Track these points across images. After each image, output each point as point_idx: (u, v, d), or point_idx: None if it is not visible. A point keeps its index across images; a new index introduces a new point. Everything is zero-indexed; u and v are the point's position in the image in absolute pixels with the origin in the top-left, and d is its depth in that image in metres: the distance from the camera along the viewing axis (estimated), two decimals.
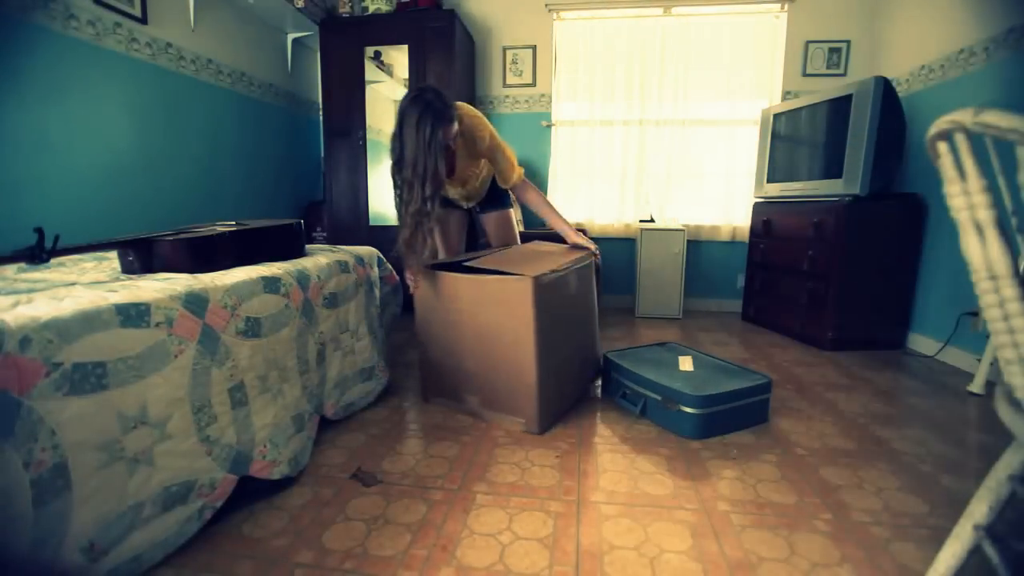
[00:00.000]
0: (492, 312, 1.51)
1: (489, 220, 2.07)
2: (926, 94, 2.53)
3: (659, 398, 1.55)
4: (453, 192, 1.91)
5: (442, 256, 2.02)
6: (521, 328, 1.44)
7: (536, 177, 3.45)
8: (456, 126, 1.54)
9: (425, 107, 1.44)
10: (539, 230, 3.18)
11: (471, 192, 1.92)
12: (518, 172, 1.79)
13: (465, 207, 2.06)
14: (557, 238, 2.81)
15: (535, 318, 1.42)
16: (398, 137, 1.50)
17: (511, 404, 1.54)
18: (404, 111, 1.47)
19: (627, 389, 1.68)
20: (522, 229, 3.15)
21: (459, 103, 1.65)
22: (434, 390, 1.76)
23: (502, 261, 1.57)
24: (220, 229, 1.38)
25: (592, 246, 1.80)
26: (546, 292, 1.46)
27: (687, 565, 0.96)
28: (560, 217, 1.84)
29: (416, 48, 2.89)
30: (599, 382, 1.91)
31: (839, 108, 2.45)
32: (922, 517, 1.12)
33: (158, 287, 1.02)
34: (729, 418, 1.52)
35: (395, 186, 1.57)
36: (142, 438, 0.91)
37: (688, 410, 1.47)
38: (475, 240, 2.39)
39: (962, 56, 2.28)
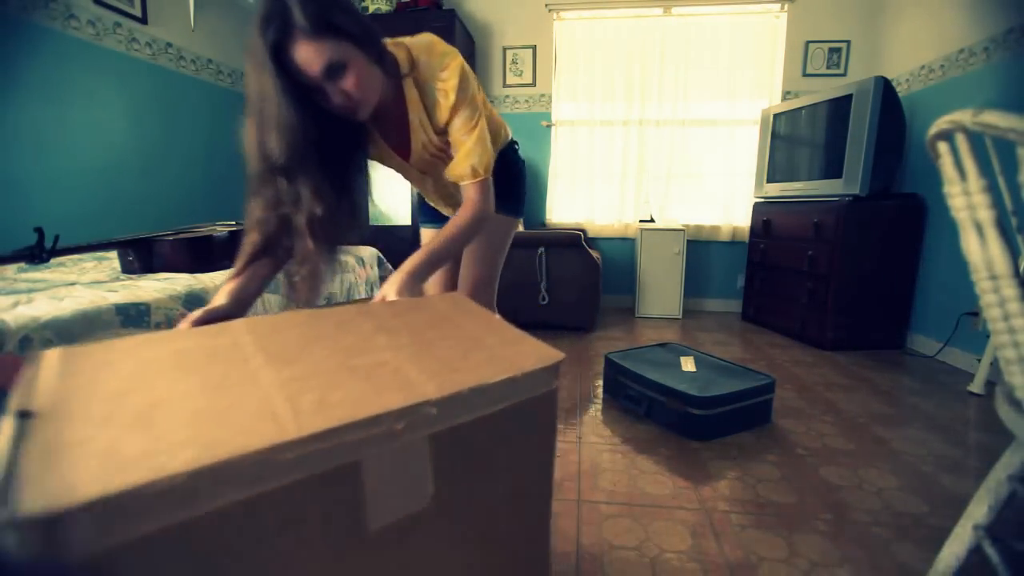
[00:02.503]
0: None
1: None
2: (926, 94, 2.53)
3: (664, 399, 1.55)
4: (428, 194, 1.23)
5: None
6: None
7: (536, 177, 3.44)
8: (324, 50, 0.77)
9: (269, 8, 0.74)
10: (540, 231, 3.18)
11: (446, 190, 1.16)
12: (479, 169, 0.95)
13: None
14: (566, 243, 2.81)
15: None
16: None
17: None
18: None
19: (631, 390, 1.67)
20: (520, 229, 3.15)
21: (420, 37, 0.99)
22: None
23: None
24: (220, 229, 1.38)
25: (389, 295, 0.81)
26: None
27: (687, 565, 0.96)
28: (434, 253, 0.89)
29: None
30: (600, 382, 1.91)
31: (839, 108, 2.45)
32: (922, 517, 1.12)
33: (158, 287, 1.02)
34: (734, 419, 1.52)
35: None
36: None
37: (694, 411, 1.47)
38: None
39: (962, 56, 2.28)
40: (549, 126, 3.36)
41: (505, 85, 3.38)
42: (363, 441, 0.39)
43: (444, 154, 1.04)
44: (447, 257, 0.93)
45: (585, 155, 3.37)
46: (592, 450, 1.42)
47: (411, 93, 0.96)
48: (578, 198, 3.44)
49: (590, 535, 1.05)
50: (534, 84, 3.35)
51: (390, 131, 1.02)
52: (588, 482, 1.25)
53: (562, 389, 1.87)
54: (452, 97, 0.92)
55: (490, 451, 0.51)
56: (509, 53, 3.34)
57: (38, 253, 1.04)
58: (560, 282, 2.67)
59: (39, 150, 1.78)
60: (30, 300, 0.86)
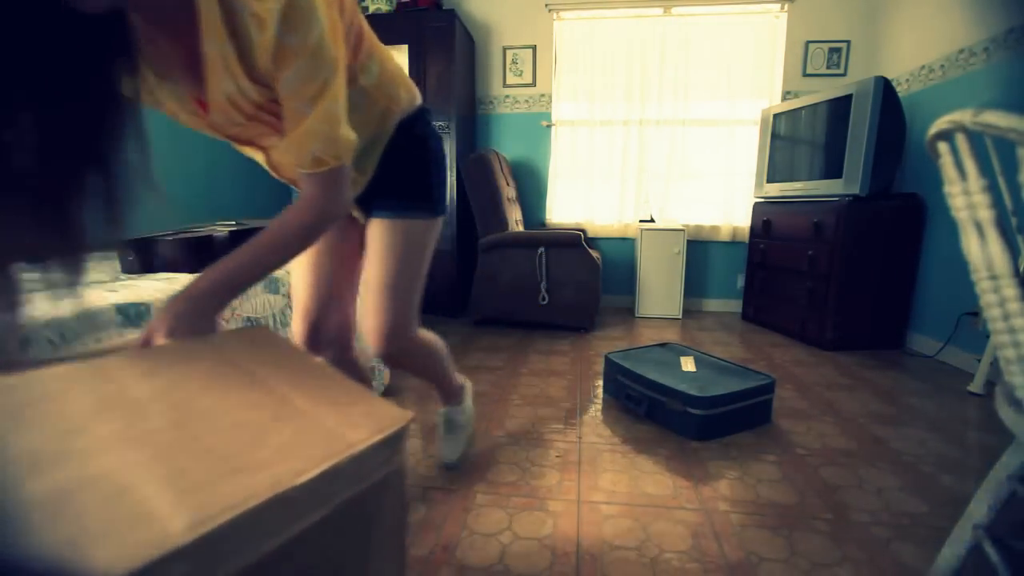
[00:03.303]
0: None
1: (372, 230, 0.95)
2: (926, 94, 2.53)
3: (664, 399, 1.55)
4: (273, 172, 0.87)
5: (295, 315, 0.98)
6: None
7: (536, 177, 3.44)
8: None
9: None
10: (540, 230, 3.17)
11: (283, 164, 0.81)
12: (325, 157, 0.64)
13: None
14: (566, 243, 2.81)
15: None
16: None
17: None
18: None
19: (631, 390, 1.67)
20: (521, 228, 3.15)
21: None
22: None
23: None
24: (221, 229, 1.38)
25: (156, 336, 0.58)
26: None
27: (687, 565, 0.96)
28: (237, 271, 0.67)
29: (416, 48, 2.89)
30: (600, 382, 1.91)
31: (839, 108, 2.45)
32: (922, 517, 1.12)
33: (158, 287, 1.02)
34: (734, 419, 1.52)
35: None
36: None
37: (694, 411, 1.47)
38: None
39: (962, 56, 2.28)
40: (549, 126, 3.36)
41: (505, 85, 3.38)
42: None
43: (272, 117, 0.67)
44: (257, 276, 0.65)
45: (585, 155, 3.37)
46: (592, 450, 1.42)
47: (209, 9, 0.54)
48: (578, 198, 3.44)
49: (590, 535, 1.05)
50: (534, 84, 3.35)
51: (173, 66, 0.61)
52: (588, 482, 1.25)
53: (562, 389, 1.87)
54: (271, 30, 0.54)
55: None
56: (509, 53, 3.34)
57: None
58: (560, 282, 2.67)
59: None
60: (30, 300, 0.86)
